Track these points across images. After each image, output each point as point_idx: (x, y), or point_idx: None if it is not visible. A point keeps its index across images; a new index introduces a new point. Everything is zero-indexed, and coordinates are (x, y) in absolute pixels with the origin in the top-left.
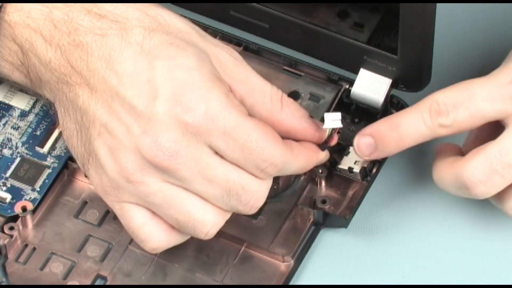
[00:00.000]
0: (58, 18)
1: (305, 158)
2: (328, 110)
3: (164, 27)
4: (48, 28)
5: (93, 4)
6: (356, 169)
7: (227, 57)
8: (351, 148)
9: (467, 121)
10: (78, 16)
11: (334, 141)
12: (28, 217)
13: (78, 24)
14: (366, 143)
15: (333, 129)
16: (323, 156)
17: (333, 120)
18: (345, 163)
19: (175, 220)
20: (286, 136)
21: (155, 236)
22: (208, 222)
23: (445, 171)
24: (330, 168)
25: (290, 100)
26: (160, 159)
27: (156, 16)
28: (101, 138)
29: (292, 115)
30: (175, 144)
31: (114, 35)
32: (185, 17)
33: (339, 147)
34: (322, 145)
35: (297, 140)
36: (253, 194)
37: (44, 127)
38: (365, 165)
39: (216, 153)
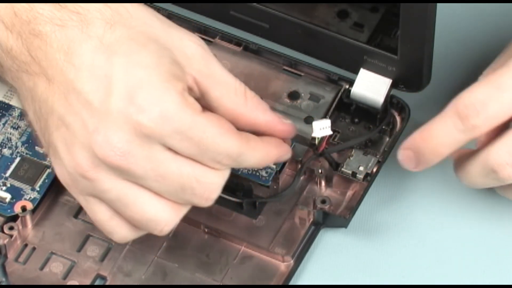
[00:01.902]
0: (19, 6)
1: (262, 152)
2: (328, 110)
3: (127, 19)
4: (10, 16)
5: None
6: (360, 174)
7: (193, 49)
8: (354, 151)
9: (499, 114)
10: (39, 5)
11: (323, 148)
12: (28, 217)
13: (38, 13)
14: (408, 157)
15: (323, 137)
16: (285, 151)
17: (322, 128)
18: (349, 167)
19: (129, 218)
20: (249, 130)
21: (122, 229)
22: (161, 220)
23: (470, 161)
24: (330, 168)
25: (253, 94)
26: (111, 158)
27: (118, 8)
28: (59, 131)
29: (256, 108)
30: (127, 144)
31: (74, 27)
32: (185, 17)
33: (340, 148)
34: (315, 151)
35: (261, 134)
36: (208, 186)
37: None
38: (369, 171)
39: (171, 150)
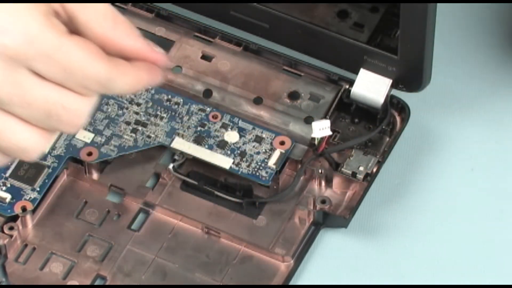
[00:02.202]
0: None
1: (132, 77)
2: (328, 110)
3: None
4: None
5: None
6: (360, 174)
7: None
8: (354, 151)
9: None
10: None
11: (322, 148)
12: (28, 217)
13: None
14: None
15: (322, 137)
16: (156, 76)
17: (321, 128)
18: (349, 167)
19: None
20: (118, 57)
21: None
22: (29, 147)
23: None
24: (330, 168)
25: (124, 19)
26: None
27: None
28: None
29: (125, 34)
30: None
31: None
32: (185, 17)
33: (340, 148)
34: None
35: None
36: (74, 113)
37: None
38: (369, 171)
39: (37, 75)
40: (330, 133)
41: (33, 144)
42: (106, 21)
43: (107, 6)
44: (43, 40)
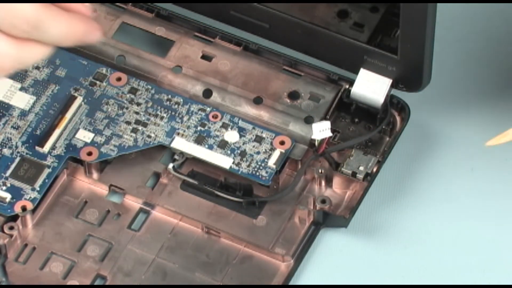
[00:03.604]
0: None
1: (65, 23)
2: (328, 110)
3: None
4: None
5: None
6: (360, 174)
7: None
8: (354, 151)
9: None
10: None
11: (323, 149)
12: (28, 217)
13: None
14: None
15: (322, 139)
16: (92, 28)
17: (322, 130)
18: (349, 167)
19: None
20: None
21: None
22: None
23: None
24: (330, 168)
25: None
26: None
27: None
28: None
29: None
30: None
31: None
32: (185, 17)
33: (340, 148)
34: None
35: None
36: (0, 57)
37: (44, 126)
38: (369, 171)
39: None
40: (330, 134)
41: None
42: None
43: None
44: None
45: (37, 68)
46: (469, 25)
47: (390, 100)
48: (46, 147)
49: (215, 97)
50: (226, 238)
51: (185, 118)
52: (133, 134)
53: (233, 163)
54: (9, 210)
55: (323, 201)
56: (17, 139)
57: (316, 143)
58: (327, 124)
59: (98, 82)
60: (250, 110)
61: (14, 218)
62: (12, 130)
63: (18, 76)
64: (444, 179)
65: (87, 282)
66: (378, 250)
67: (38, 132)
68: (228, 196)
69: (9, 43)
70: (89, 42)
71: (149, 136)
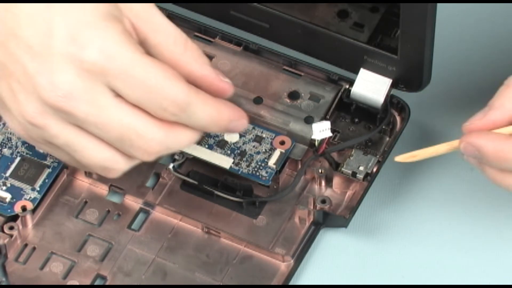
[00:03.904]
0: None
1: (213, 108)
2: (328, 110)
3: None
4: None
5: None
6: (360, 174)
7: None
8: (354, 151)
9: None
10: None
11: (323, 149)
12: (28, 217)
13: None
14: (472, 153)
15: (322, 139)
16: (239, 115)
17: (322, 130)
18: (349, 167)
19: (80, 162)
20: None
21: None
22: (109, 166)
23: None
24: (330, 168)
25: (195, 46)
26: (54, 99)
27: None
28: (3, 81)
29: (194, 60)
30: (69, 85)
31: None
32: (185, 17)
33: (340, 148)
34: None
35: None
36: (147, 140)
37: None
38: (369, 171)
39: (116, 96)
40: (330, 134)
41: (112, 164)
42: (176, 46)
43: (178, 31)
44: (121, 56)
45: None
46: (469, 25)
47: (390, 100)
48: None
49: None
50: (226, 238)
51: None
52: None
53: (233, 163)
54: (9, 210)
55: (323, 201)
56: (17, 139)
57: (316, 143)
58: (327, 124)
59: None
60: (250, 110)
61: (14, 218)
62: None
63: None
64: (444, 179)
65: (87, 282)
66: (378, 250)
67: None
68: (228, 196)
69: (158, 127)
70: (234, 131)
71: None
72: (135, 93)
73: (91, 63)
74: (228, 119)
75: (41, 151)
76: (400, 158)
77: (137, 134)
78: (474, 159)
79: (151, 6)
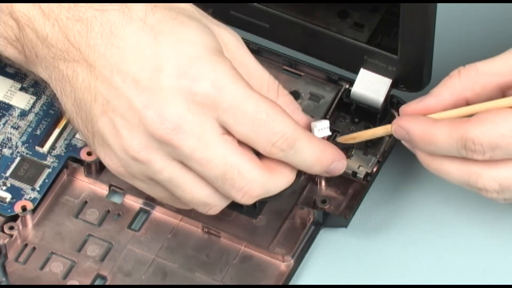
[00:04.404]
0: None
1: (318, 147)
2: (328, 110)
3: (166, 4)
4: (47, 3)
5: None
6: (361, 174)
7: (229, 38)
8: (354, 151)
9: (504, 157)
10: None
11: None
12: (28, 217)
13: None
14: (402, 136)
15: (322, 138)
16: (340, 156)
17: (321, 129)
18: (349, 167)
19: (180, 197)
20: None
21: (183, 205)
22: (208, 203)
23: (456, 167)
24: None
25: (286, 92)
26: (162, 132)
27: None
28: (105, 117)
29: (287, 106)
30: (179, 118)
31: (115, 10)
32: None
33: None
34: None
35: None
36: (248, 181)
37: (44, 126)
38: (369, 171)
39: (224, 133)
40: (329, 133)
41: (212, 202)
42: (269, 92)
43: (271, 77)
44: (232, 89)
45: None
46: (469, 25)
47: (390, 100)
48: (46, 147)
49: None
50: (226, 238)
51: None
52: None
53: None
54: (9, 210)
55: (323, 201)
56: (17, 139)
57: None
58: (326, 123)
59: None
60: None
61: (14, 218)
62: (12, 130)
63: (18, 76)
64: (444, 179)
65: (87, 282)
66: (378, 250)
67: (38, 132)
68: None
69: (260, 170)
70: (334, 172)
71: None
72: (244, 127)
73: (203, 96)
74: (332, 160)
75: (138, 187)
76: (341, 139)
77: (239, 174)
78: (407, 143)
79: (246, 52)
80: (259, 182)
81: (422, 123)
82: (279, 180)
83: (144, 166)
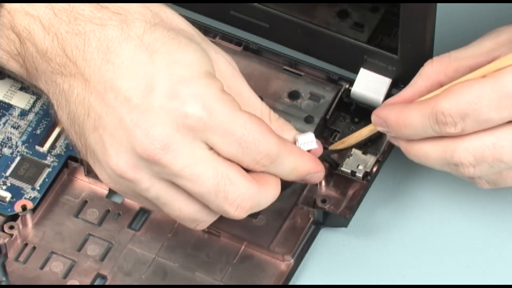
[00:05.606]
0: (59, 7)
1: (297, 158)
2: (328, 110)
3: (166, 23)
4: (48, 16)
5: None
6: (359, 173)
7: (225, 66)
8: (353, 150)
9: (476, 128)
10: (80, 6)
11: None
12: (28, 216)
13: (78, 14)
14: (380, 124)
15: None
16: (317, 167)
17: (305, 143)
18: (348, 166)
19: (168, 214)
20: None
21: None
22: (196, 219)
23: (432, 145)
24: (330, 168)
25: (277, 116)
26: (151, 152)
27: (159, 12)
28: (95, 133)
29: (280, 129)
30: (168, 137)
31: (114, 26)
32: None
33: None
34: None
35: None
36: (241, 191)
37: (44, 126)
38: (368, 170)
39: (210, 148)
40: (315, 146)
41: (200, 218)
42: (263, 118)
43: (263, 104)
44: (221, 111)
45: None
46: (469, 25)
47: None
48: (46, 147)
49: None
50: (226, 237)
51: None
52: None
53: None
54: (9, 210)
55: (323, 201)
56: (17, 138)
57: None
58: (311, 137)
59: None
60: None
61: (14, 217)
62: (12, 130)
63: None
64: (443, 179)
65: (87, 281)
66: (378, 250)
67: (38, 131)
68: None
69: (251, 182)
70: (309, 182)
71: None
72: (231, 148)
73: (194, 118)
74: (307, 171)
75: (132, 200)
76: (332, 147)
77: (232, 185)
78: (388, 134)
79: (240, 80)
80: (250, 193)
81: (395, 108)
82: (268, 191)
83: (132, 184)
